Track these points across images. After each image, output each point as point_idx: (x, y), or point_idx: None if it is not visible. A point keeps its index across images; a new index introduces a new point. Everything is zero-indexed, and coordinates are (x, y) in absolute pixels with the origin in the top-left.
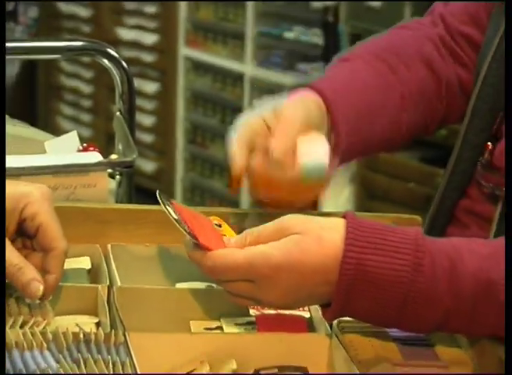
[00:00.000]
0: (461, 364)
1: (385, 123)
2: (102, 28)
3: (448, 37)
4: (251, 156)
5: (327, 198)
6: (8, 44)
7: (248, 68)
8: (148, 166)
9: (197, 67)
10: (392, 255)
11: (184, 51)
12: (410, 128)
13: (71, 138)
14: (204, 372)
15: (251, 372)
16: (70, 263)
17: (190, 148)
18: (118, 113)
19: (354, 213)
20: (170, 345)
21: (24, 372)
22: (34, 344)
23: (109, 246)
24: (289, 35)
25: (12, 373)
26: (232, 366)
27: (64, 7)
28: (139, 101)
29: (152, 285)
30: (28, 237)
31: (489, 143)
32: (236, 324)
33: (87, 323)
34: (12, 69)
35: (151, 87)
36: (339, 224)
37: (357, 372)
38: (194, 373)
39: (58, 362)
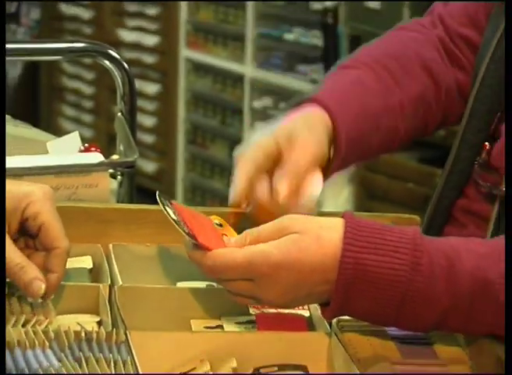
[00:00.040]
0: (460, 362)
1: (384, 128)
2: (104, 30)
3: (447, 38)
4: (257, 180)
5: (327, 198)
6: (10, 46)
7: (248, 69)
8: (149, 166)
9: (198, 68)
10: (391, 254)
11: (185, 52)
12: (408, 133)
13: (73, 139)
14: (205, 370)
15: (251, 370)
16: (72, 263)
17: (190, 148)
18: (119, 114)
19: (353, 213)
20: (171, 344)
21: (26, 371)
22: (36, 342)
23: (111, 246)
24: (288, 37)
25: (14, 371)
26: (233, 364)
27: (66, 9)
28: (140, 102)
29: (153, 284)
30: (30, 236)
31: (487, 143)
32: (237, 323)
33: (89, 321)
34: (14, 71)
35: (151, 88)
36: (338, 224)
37: (356, 370)
38: (194, 372)
39: (60, 360)
